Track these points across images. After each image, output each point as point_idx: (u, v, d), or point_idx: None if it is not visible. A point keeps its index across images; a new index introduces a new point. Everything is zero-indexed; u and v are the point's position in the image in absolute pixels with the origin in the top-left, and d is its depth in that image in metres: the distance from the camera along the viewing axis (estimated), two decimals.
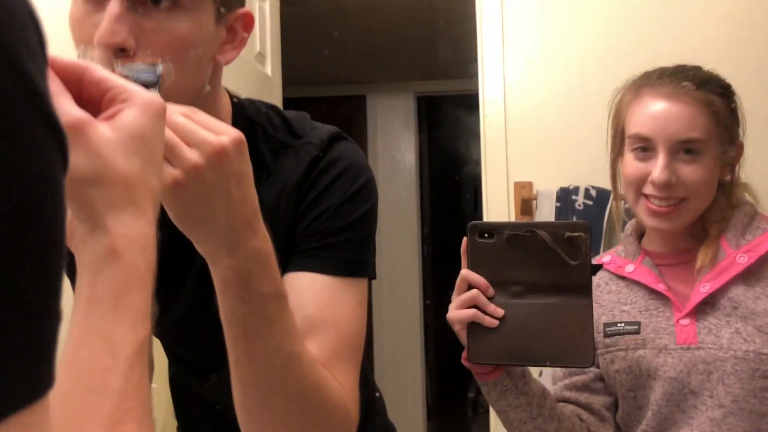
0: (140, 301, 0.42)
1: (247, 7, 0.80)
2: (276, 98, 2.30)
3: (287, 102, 2.44)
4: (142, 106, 0.45)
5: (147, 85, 0.67)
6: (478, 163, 2.27)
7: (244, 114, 0.85)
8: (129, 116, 0.44)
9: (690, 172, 1.02)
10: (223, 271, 0.65)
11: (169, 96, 0.70)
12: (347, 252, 0.80)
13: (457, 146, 4.55)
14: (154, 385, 0.77)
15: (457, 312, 0.92)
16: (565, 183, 2.09)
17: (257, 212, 0.64)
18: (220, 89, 0.82)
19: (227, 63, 0.79)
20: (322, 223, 0.80)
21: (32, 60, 0.27)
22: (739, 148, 1.10)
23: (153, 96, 0.46)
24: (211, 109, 0.78)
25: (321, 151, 0.82)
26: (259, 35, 2.16)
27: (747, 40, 2.06)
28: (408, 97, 4.25)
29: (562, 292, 0.89)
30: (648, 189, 1.04)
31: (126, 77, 0.66)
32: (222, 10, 0.74)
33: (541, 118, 2.18)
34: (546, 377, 1.54)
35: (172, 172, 0.58)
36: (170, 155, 0.58)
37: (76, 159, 0.41)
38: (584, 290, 0.89)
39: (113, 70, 0.67)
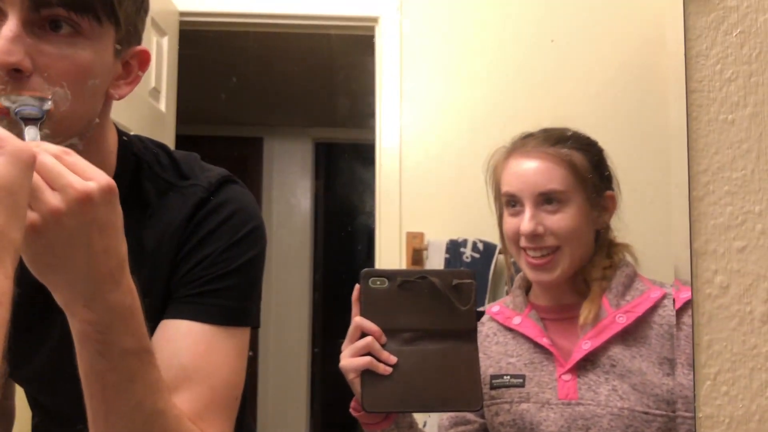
0: None
1: (143, 45, 0.79)
2: (169, 135, 2.25)
3: (181, 139, 2.39)
4: (11, 155, 0.44)
5: (30, 119, 0.64)
6: (372, 214, 2.30)
7: (132, 150, 0.83)
8: None
9: (556, 221, 1.10)
10: (80, 324, 0.61)
11: (60, 124, 0.68)
12: (228, 300, 0.78)
13: (352, 195, 4.58)
14: None
15: (351, 360, 0.91)
16: (455, 235, 2.15)
17: (122, 263, 0.61)
18: (108, 124, 0.81)
19: (120, 98, 0.78)
20: (203, 269, 0.77)
21: None
22: (610, 199, 1.17)
23: (23, 146, 0.45)
24: (98, 142, 0.77)
25: (208, 194, 0.80)
26: (155, 71, 2.11)
27: (631, 110, 2.21)
28: (306, 142, 4.25)
29: (451, 338, 0.92)
30: (522, 242, 1.11)
31: (7, 109, 0.63)
32: (119, 45, 0.74)
33: (435, 171, 2.24)
34: (432, 427, 1.54)
35: (31, 216, 0.55)
36: (31, 197, 0.54)
37: None
38: (471, 335, 0.93)
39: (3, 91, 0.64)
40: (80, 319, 0.61)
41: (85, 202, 0.56)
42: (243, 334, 0.80)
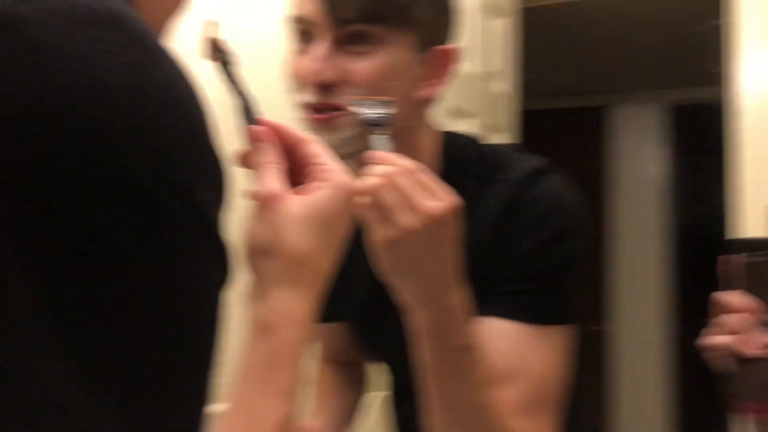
0: (287, 377, 0.42)
1: (451, 44, 0.80)
2: (513, 113, 2.31)
3: (527, 115, 2.44)
4: (334, 189, 0.47)
5: (375, 124, 0.70)
6: (730, 181, 2.07)
7: (446, 148, 0.83)
8: (319, 197, 0.46)
9: None
10: (420, 321, 0.68)
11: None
12: (546, 298, 0.77)
13: (707, 160, 4.17)
14: None
15: (717, 339, 0.80)
16: None
17: (460, 270, 0.67)
18: (422, 125, 0.82)
19: (426, 99, 0.79)
20: (519, 267, 0.77)
21: (207, 190, 0.31)
22: None
23: (346, 180, 0.48)
24: (413, 144, 0.79)
25: (522, 187, 0.78)
26: (497, 52, 2.18)
27: None
28: (654, 106, 3.99)
29: None
30: None
31: (358, 114, 0.71)
32: (422, 47, 0.76)
33: None
34: None
35: (389, 231, 0.62)
36: (389, 216, 0.62)
37: (259, 228, 0.45)
38: None
39: (324, 101, 0.72)
40: (421, 317, 0.68)
41: (436, 223, 0.62)
42: (563, 332, 0.79)
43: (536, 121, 2.43)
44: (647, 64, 3.62)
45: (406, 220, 0.62)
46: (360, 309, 0.92)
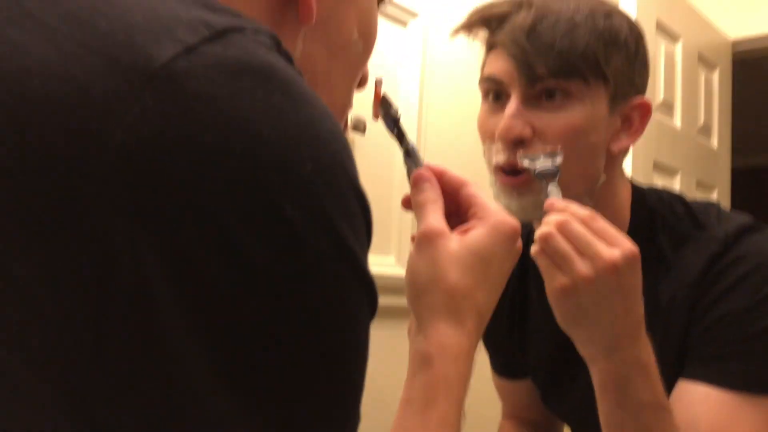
0: (447, 408, 0.43)
1: (645, 97, 0.78)
2: (723, 170, 2.15)
3: (738, 173, 2.26)
4: (491, 227, 0.48)
5: (546, 175, 0.71)
6: None
7: (646, 203, 0.80)
8: (476, 235, 0.47)
9: None
10: (599, 374, 0.65)
11: (564, 184, 0.72)
12: (752, 365, 0.71)
13: None
14: None
15: None
16: None
17: (640, 322, 0.64)
18: (618, 179, 0.81)
19: (620, 151, 0.77)
20: (722, 329, 0.72)
21: (348, 223, 0.32)
22: None
23: (505, 219, 0.49)
24: (608, 198, 0.78)
25: (725, 246, 0.74)
26: (704, 107, 2.06)
27: None
28: None
29: None
30: None
31: (526, 168, 0.72)
32: (616, 99, 0.75)
33: None
34: None
35: (562, 279, 0.61)
36: (563, 263, 0.61)
37: (420, 264, 0.47)
38: None
39: (514, 159, 0.73)
40: (600, 368, 0.65)
41: (611, 271, 0.60)
42: None
43: (753, 178, 2.24)
44: None
45: (580, 267, 0.60)
46: (543, 363, 0.89)
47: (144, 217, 0.29)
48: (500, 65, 0.75)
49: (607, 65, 0.73)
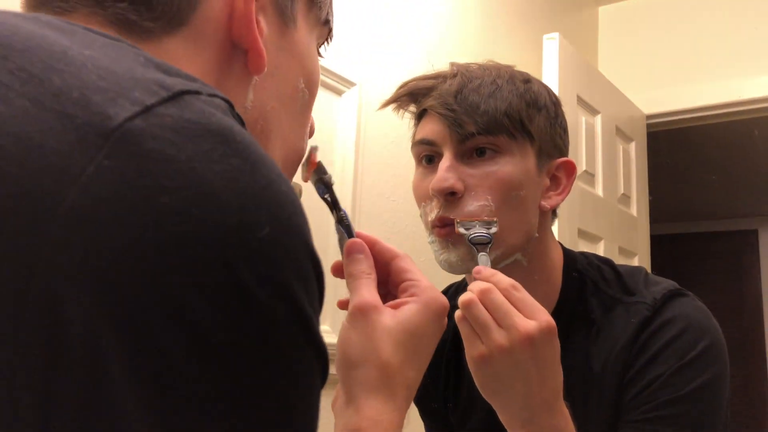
0: None
1: (569, 157, 0.82)
2: (642, 237, 2.25)
3: (656, 240, 2.37)
4: (423, 304, 0.49)
5: (479, 243, 0.73)
6: None
7: (576, 267, 0.83)
8: (409, 311, 0.48)
9: None
10: None
11: (499, 238, 0.74)
12: (680, 428, 0.71)
13: None
14: None
15: None
16: None
17: (557, 392, 0.65)
18: (549, 239, 0.83)
19: (551, 208, 0.81)
20: (651, 393, 0.73)
21: (304, 287, 0.32)
22: None
23: (436, 297, 0.50)
24: (541, 258, 0.80)
25: (653, 311, 0.76)
26: (623, 177, 2.17)
27: None
28: None
29: None
30: None
31: (462, 234, 0.74)
32: (541, 157, 0.79)
33: None
34: None
35: (480, 347, 0.63)
36: (481, 332, 0.63)
37: (353, 337, 0.47)
38: None
39: (446, 214, 0.75)
40: None
41: (527, 342, 0.62)
42: None
43: (670, 245, 2.35)
44: None
45: (497, 337, 0.62)
46: (478, 427, 0.90)
47: (96, 283, 0.28)
48: (431, 128, 0.78)
49: (531, 123, 0.78)
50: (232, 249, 0.30)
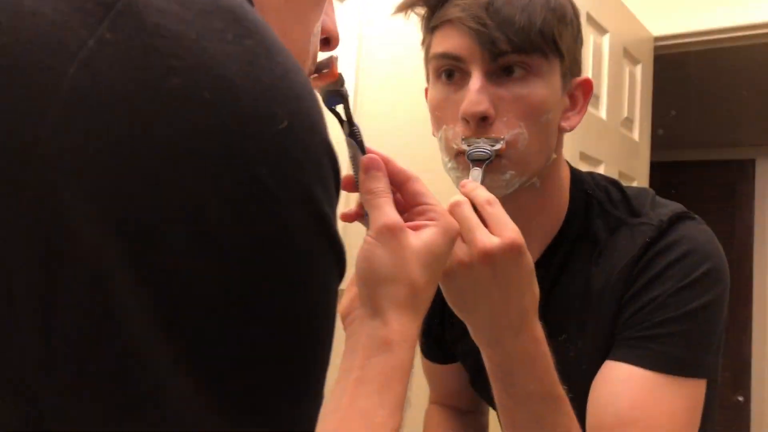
0: (402, 391, 0.46)
1: (585, 75, 0.79)
2: (643, 163, 2.23)
3: (656, 167, 2.35)
4: (443, 228, 0.51)
5: (478, 160, 0.70)
6: None
7: (583, 187, 0.81)
8: (431, 234, 0.50)
9: None
10: (486, 361, 0.66)
11: (522, 164, 0.72)
12: (675, 347, 0.71)
13: None
14: None
15: None
16: None
17: (523, 315, 0.63)
18: (561, 159, 0.81)
19: (570, 129, 0.78)
20: (649, 312, 0.72)
21: (322, 187, 0.31)
22: None
23: (453, 222, 0.52)
24: (554, 179, 0.78)
25: (658, 232, 0.75)
26: (628, 100, 2.13)
27: None
28: None
29: None
30: None
31: (463, 152, 0.71)
32: (566, 77, 0.75)
33: None
34: None
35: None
36: None
37: (383, 255, 0.48)
38: None
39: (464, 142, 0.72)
40: (486, 356, 0.66)
41: (485, 259, 0.59)
42: (694, 387, 0.72)
43: (669, 173, 2.33)
44: None
45: (457, 252, 0.60)
46: (471, 348, 0.90)
47: (96, 175, 0.25)
48: (458, 42, 0.72)
49: (561, 40, 0.73)
50: (249, 144, 0.27)
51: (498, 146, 0.71)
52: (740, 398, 3.60)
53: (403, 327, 0.47)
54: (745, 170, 3.85)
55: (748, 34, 2.16)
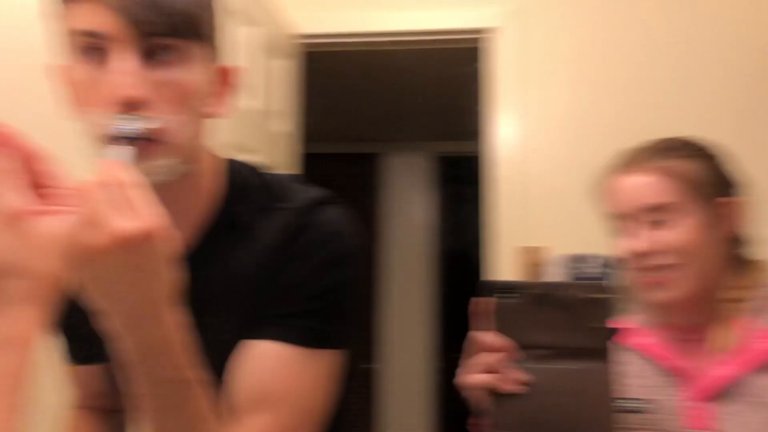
0: (20, 393, 0.44)
1: (227, 62, 0.80)
2: (292, 153, 2.32)
3: (304, 158, 2.47)
4: (72, 213, 0.49)
5: (128, 138, 0.66)
6: (488, 228, 2.26)
7: (229, 174, 0.82)
8: (65, 221, 0.48)
9: (668, 236, 1.01)
10: (123, 350, 0.65)
11: (175, 150, 0.70)
12: (313, 321, 0.76)
13: (469, 209, 4.55)
14: None
15: (476, 377, 0.83)
16: (575, 250, 2.08)
17: (157, 302, 0.62)
18: (208, 146, 0.81)
19: (217, 116, 0.78)
20: (289, 290, 0.76)
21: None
22: (729, 205, 1.05)
23: (85, 207, 0.50)
24: (202, 164, 0.78)
25: (300, 216, 0.78)
26: (276, 92, 2.19)
27: (758, 116, 2.06)
28: (424, 157, 4.28)
29: (585, 357, 0.83)
30: (638, 261, 1.03)
31: (113, 128, 0.66)
32: (212, 64, 0.75)
33: (553, 184, 2.18)
34: None
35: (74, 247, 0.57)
36: (78, 230, 0.56)
37: (4, 243, 0.44)
38: (606, 355, 0.83)
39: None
40: (123, 345, 0.65)
41: (124, 244, 0.57)
42: (329, 357, 0.78)
43: (314, 163, 2.47)
44: (416, 117, 3.88)
45: (89, 237, 0.56)
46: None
47: None
48: (102, 19, 0.67)
49: (211, 26, 0.74)
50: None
51: (150, 126, 0.67)
52: (373, 366, 4.01)
53: (32, 323, 0.45)
54: (373, 163, 4.29)
55: (381, 40, 2.39)
